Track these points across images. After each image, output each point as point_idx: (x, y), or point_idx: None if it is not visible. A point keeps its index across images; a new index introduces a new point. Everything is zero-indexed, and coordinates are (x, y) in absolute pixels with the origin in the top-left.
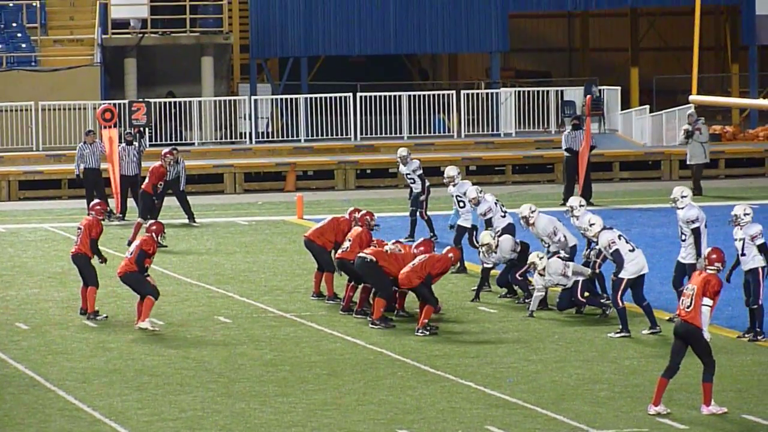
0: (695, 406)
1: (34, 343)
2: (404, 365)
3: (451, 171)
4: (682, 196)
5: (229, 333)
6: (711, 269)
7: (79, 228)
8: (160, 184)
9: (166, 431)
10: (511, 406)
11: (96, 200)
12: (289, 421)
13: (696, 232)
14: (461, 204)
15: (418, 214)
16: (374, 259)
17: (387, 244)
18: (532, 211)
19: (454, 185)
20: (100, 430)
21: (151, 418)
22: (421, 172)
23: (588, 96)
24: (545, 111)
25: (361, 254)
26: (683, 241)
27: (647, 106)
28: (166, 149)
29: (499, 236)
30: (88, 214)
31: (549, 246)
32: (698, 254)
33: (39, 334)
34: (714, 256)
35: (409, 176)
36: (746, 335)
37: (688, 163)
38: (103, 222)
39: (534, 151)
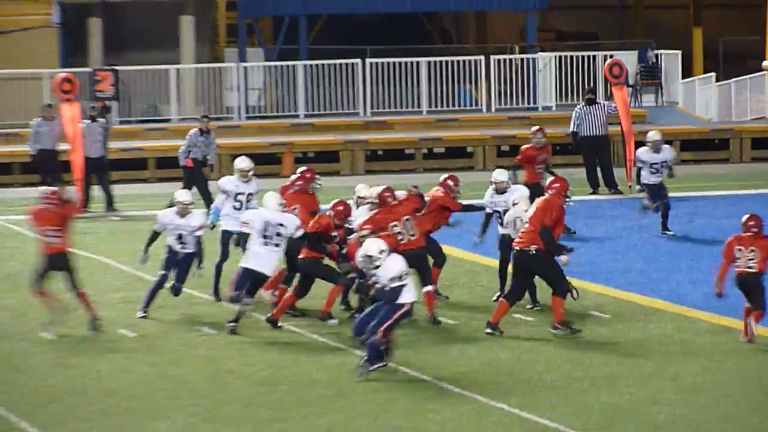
0: None
1: None
2: (424, 384)
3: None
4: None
5: (215, 346)
6: None
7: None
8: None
9: None
10: None
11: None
12: None
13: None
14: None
15: None
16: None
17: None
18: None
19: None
20: None
21: None
22: None
23: (609, 61)
24: (592, 80)
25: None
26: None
27: (713, 74)
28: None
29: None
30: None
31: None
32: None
33: None
34: None
35: None
36: None
37: None
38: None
39: None
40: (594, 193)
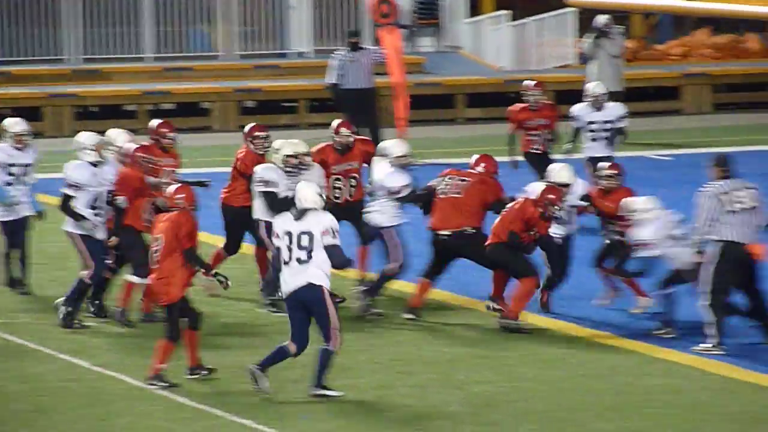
0: None
1: None
2: (150, 397)
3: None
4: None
5: None
6: None
7: None
8: None
9: None
10: None
11: None
12: None
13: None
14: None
15: None
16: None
17: None
18: None
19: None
20: None
21: None
22: None
23: None
24: (356, 20)
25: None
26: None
27: (507, 12)
28: None
29: None
30: None
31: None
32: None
33: None
34: None
35: None
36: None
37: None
38: None
39: None
40: None
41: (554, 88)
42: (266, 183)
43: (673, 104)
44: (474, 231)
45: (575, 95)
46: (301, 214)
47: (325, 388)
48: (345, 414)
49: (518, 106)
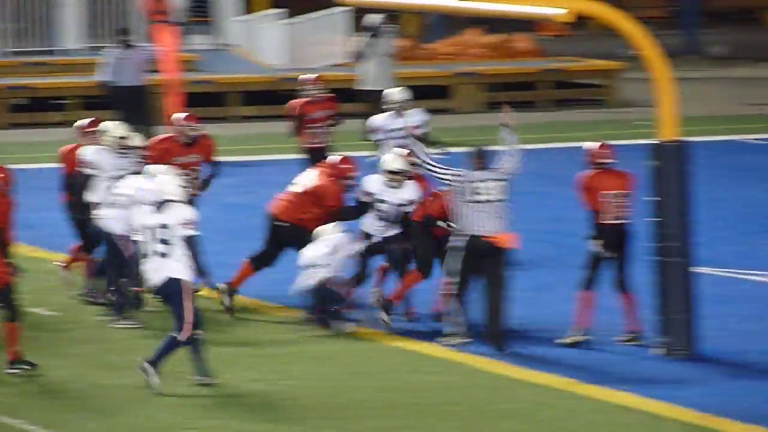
0: None
1: None
2: None
3: None
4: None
5: None
6: None
7: None
8: None
9: None
10: None
11: None
12: None
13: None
14: None
15: None
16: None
17: None
18: None
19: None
20: None
21: None
22: None
23: None
24: (128, 16)
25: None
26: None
27: (281, 10)
28: None
29: None
30: None
31: None
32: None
33: None
34: None
35: None
36: None
37: (359, 87)
38: None
39: None
40: None
41: (329, 87)
42: (91, 166)
43: (444, 103)
44: (295, 227)
45: (349, 94)
46: (160, 206)
47: (153, 366)
48: (115, 411)
49: (299, 100)
